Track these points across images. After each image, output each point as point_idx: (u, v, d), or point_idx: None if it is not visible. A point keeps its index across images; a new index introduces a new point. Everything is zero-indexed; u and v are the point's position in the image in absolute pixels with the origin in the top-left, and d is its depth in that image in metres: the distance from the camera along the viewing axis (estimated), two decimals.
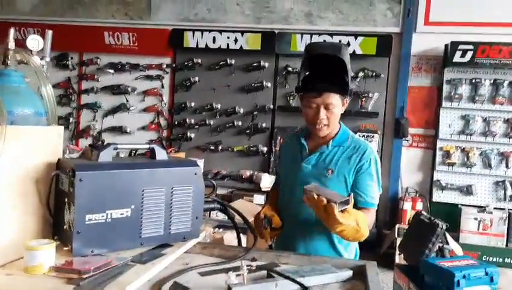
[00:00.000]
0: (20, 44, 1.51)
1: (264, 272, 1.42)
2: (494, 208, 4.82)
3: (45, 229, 1.39)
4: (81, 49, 6.02)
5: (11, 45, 1.46)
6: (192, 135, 5.76)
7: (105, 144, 1.46)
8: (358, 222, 1.64)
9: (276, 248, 1.96)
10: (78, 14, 6.00)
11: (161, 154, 1.54)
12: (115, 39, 5.90)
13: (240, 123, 5.60)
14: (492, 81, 4.95)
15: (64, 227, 1.32)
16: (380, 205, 5.37)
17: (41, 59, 1.55)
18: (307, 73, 1.87)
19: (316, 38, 5.31)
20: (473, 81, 4.97)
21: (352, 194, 1.66)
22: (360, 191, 1.82)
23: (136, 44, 5.86)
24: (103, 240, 1.32)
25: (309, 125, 1.87)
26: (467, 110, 5.02)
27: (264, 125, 5.53)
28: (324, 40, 5.14)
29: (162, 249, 1.43)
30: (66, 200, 1.32)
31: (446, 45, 4.96)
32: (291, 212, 1.88)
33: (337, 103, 1.80)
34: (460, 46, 4.82)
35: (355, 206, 1.72)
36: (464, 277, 1.25)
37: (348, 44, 5.20)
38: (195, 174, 1.52)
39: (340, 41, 5.21)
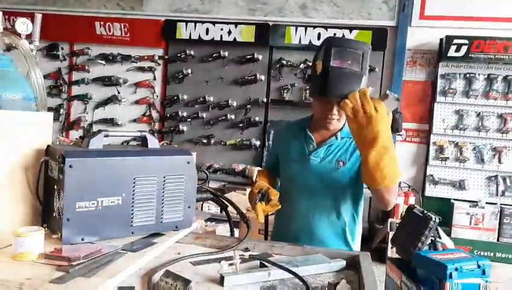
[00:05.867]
0: (10, 32, 1.47)
1: (257, 262, 1.40)
2: (486, 203, 4.85)
3: (34, 217, 1.36)
4: (72, 39, 5.95)
5: (0, 28, 1.42)
6: (185, 128, 5.73)
7: (95, 131, 1.42)
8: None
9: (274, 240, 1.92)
10: (69, 4, 5.92)
11: (153, 142, 1.51)
12: (106, 30, 5.83)
13: (232, 116, 5.58)
14: (486, 76, 4.97)
15: (54, 215, 1.29)
16: (373, 199, 5.39)
17: (30, 43, 1.51)
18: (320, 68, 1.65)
19: (311, 31, 5.29)
20: (467, 75, 4.98)
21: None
22: None
23: (128, 35, 5.80)
24: (93, 228, 1.29)
25: (318, 118, 1.81)
26: (461, 105, 5.04)
27: (257, 118, 5.51)
28: (334, 34, 5.13)
29: (153, 238, 1.40)
30: (56, 187, 1.28)
31: (441, 39, 4.96)
32: (299, 209, 1.83)
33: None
34: (455, 41, 4.83)
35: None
36: (456, 269, 1.24)
37: (343, 37, 5.19)
38: (188, 163, 1.49)
39: (334, 34, 5.20)
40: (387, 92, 1.49)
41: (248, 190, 4.85)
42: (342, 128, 1.83)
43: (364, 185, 1.76)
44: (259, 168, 5.25)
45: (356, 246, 1.89)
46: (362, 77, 1.56)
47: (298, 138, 1.88)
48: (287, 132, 2.02)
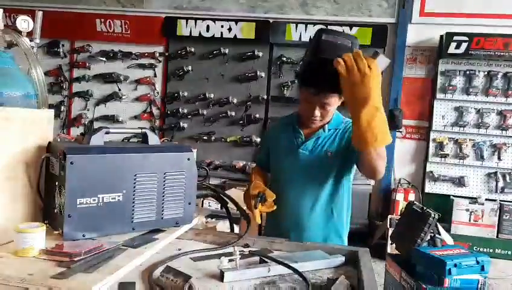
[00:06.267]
0: (11, 30, 1.48)
1: (257, 258, 1.41)
2: (486, 199, 4.86)
3: (35, 214, 1.37)
4: (73, 36, 5.95)
5: (0, 25, 1.42)
6: (185, 125, 5.74)
7: (96, 128, 1.43)
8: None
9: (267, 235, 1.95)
10: (69, 1, 5.91)
11: (153, 139, 1.52)
12: (106, 27, 5.83)
13: (233, 113, 5.58)
14: (486, 73, 4.97)
15: (55, 211, 1.30)
16: (373, 196, 5.42)
17: (31, 41, 1.52)
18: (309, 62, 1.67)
19: (311, 28, 5.29)
20: (467, 72, 4.98)
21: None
22: None
23: (129, 32, 5.80)
24: (94, 224, 1.30)
25: (303, 118, 1.86)
26: (461, 102, 5.04)
27: (257, 115, 5.51)
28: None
29: (154, 234, 1.41)
30: (57, 183, 1.29)
31: (441, 36, 4.96)
32: (289, 202, 1.86)
33: (333, 102, 1.76)
34: (455, 38, 4.83)
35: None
36: (455, 265, 1.26)
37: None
38: (188, 159, 1.50)
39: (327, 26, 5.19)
40: (376, 50, 1.49)
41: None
42: (329, 121, 1.87)
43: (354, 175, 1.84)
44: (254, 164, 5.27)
45: (346, 237, 1.94)
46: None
47: (287, 132, 1.92)
48: (276, 128, 2.08)
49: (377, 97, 1.42)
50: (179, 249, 1.47)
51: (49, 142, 1.39)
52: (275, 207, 1.77)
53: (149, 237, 1.38)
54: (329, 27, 5.18)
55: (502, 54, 4.79)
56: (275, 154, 1.99)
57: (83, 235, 1.28)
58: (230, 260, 1.29)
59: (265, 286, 1.25)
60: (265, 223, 2.05)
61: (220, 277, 1.25)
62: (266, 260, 1.38)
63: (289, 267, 1.31)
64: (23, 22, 1.49)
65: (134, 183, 1.36)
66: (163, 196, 1.44)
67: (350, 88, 1.43)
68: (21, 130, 1.31)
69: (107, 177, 1.31)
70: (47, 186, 1.37)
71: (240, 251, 1.32)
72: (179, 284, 1.15)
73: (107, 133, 1.41)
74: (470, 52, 4.83)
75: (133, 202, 1.37)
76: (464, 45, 4.82)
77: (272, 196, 1.75)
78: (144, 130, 1.51)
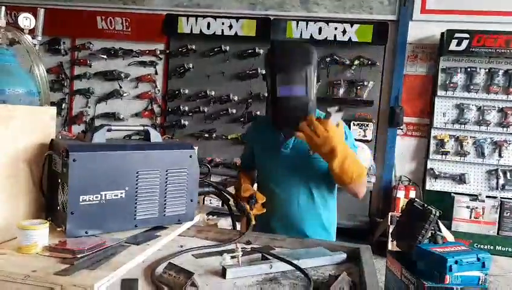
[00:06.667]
0: (13, 27, 1.48)
1: (259, 255, 1.42)
2: (487, 197, 4.86)
3: (38, 211, 1.37)
4: (73, 34, 5.94)
5: (2, 22, 1.42)
6: (186, 122, 5.74)
7: (98, 125, 1.44)
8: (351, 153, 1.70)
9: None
10: None
11: (155, 136, 1.52)
12: (107, 24, 5.82)
13: (234, 111, 5.58)
14: (487, 70, 4.97)
15: (58, 208, 1.30)
16: (373, 193, 5.41)
17: (33, 38, 1.52)
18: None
19: (312, 26, 5.28)
20: (468, 69, 4.98)
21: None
22: None
23: (129, 29, 5.79)
24: (97, 221, 1.31)
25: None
26: (462, 99, 5.04)
27: (258, 113, 5.51)
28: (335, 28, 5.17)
29: (156, 231, 1.42)
30: (60, 181, 1.30)
31: (442, 33, 4.95)
32: (275, 200, 1.87)
33: None
34: (457, 35, 4.82)
35: None
36: (456, 262, 1.26)
37: (344, 31, 5.18)
38: (190, 156, 1.50)
39: (335, 35, 5.19)
40: (328, 109, 1.65)
41: None
42: None
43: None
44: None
45: (334, 232, 1.97)
46: (309, 102, 1.70)
47: (267, 131, 1.92)
48: (257, 127, 2.12)
49: (342, 147, 1.63)
50: (181, 246, 1.47)
51: (52, 140, 1.39)
52: (264, 210, 1.80)
53: (151, 234, 1.38)
54: (330, 24, 5.23)
55: (503, 51, 4.78)
56: (258, 154, 2.01)
57: (86, 232, 1.29)
58: (232, 257, 1.30)
59: (267, 282, 1.26)
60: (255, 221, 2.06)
61: (222, 273, 1.26)
62: (268, 256, 1.38)
63: (291, 264, 1.32)
64: (25, 20, 1.49)
65: (137, 180, 1.37)
66: (166, 193, 1.44)
67: (315, 148, 1.65)
68: (24, 128, 1.31)
69: (110, 174, 1.32)
70: (50, 183, 1.38)
71: (241, 248, 1.33)
72: (181, 280, 1.15)
73: (109, 130, 1.41)
74: (471, 49, 4.82)
75: (136, 199, 1.37)
76: (465, 42, 4.81)
77: (262, 198, 1.78)
78: (146, 128, 1.51)
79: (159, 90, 5.82)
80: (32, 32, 1.53)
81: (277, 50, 1.79)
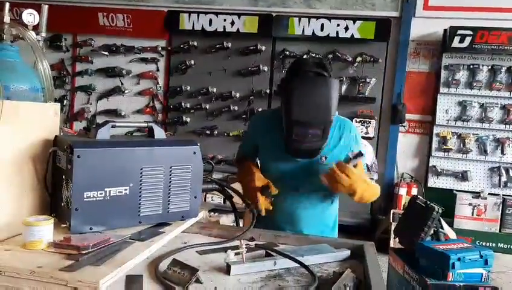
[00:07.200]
0: (17, 23, 1.48)
1: (263, 251, 1.42)
2: (489, 194, 4.85)
3: (42, 207, 1.37)
4: (75, 30, 5.93)
5: (7, 18, 1.42)
6: (188, 119, 5.73)
7: (102, 121, 1.44)
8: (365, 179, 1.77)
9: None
10: None
11: (159, 132, 1.52)
12: (109, 20, 5.81)
13: (236, 108, 5.57)
14: (490, 67, 4.95)
15: (62, 204, 1.30)
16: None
17: (37, 34, 1.52)
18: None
19: (314, 22, 5.26)
20: (471, 66, 4.96)
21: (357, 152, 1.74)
22: None
23: (131, 26, 5.78)
24: (101, 218, 1.31)
25: None
26: (464, 96, 5.02)
27: (260, 110, 5.50)
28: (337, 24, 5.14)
29: (160, 227, 1.42)
30: (64, 177, 1.30)
31: (445, 30, 4.93)
32: (282, 199, 1.85)
33: None
34: (459, 31, 4.80)
35: None
36: (459, 259, 1.26)
37: (347, 28, 5.16)
38: (194, 153, 1.50)
39: (337, 31, 5.17)
40: (349, 154, 1.73)
41: None
42: None
43: None
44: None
45: (336, 228, 2.00)
46: (324, 143, 1.75)
47: (275, 130, 1.83)
48: (263, 122, 2.02)
49: (361, 184, 1.70)
50: (185, 243, 1.48)
51: (56, 136, 1.39)
52: (271, 207, 1.79)
53: (156, 231, 1.38)
54: (332, 21, 5.21)
55: (506, 48, 4.76)
56: (264, 151, 1.95)
57: (90, 229, 1.29)
58: (236, 254, 1.30)
59: (271, 279, 1.26)
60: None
61: (227, 270, 1.26)
62: (272, 253, 1.38)
63: (295, 260, 1.32)
64: (29, 16, 1.49)
65: (141, 176, 1.37)
66: (170, 190, 1.44)
67: (338, 191, 1.74)
68: (28, 124, 1.31)
69: (114, 170, 1.32)
70: (54, 179, 1.38)
71: (246, 245, 1.33)
72: (186, 277, 1.15)
73: (113, 126, 1.41)
74: (474, 46, 4.81)
75: (140, 196, 1.38)
76: (468, 39, 4.79)
77: (275, 191, 1.76)
78: (150, 124, 1.51)
79: (160, 87, 5.82)
80: (36, 28, 1.52)
81: (295, 96, 1.70)
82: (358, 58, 5.18)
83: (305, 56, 5.20)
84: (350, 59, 5.22)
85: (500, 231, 4.79)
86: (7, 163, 1.25)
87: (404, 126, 5.25)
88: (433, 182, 5.15)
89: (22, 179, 1.31)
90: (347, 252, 1.50)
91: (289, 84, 1.74)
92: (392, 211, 4.67)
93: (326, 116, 1.69)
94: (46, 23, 1.55)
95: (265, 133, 1.94)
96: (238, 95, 5.54)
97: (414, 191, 4.92)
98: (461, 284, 1.27)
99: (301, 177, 1.84)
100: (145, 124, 1.52)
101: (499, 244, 4.74)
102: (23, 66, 1.44)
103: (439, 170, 5.12)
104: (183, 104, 5.68)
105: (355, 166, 1.69)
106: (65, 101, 5.96)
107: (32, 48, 1.46)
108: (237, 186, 1.93)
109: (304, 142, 1.72)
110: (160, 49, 5.74)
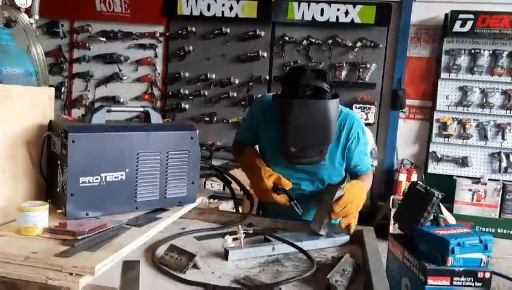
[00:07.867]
0: (9, 6, 1.45)
1: (261, 237, 1.41)
2: (489, 180, 4.84)
3: (38, 192, 1.36)
4: (72, 16, 5.86)
5: None
6: (187, 106, 5.69)
7: (97, 106, 1.41)
8: (361, 186, 1.71)
9: None
10: None
11: (156, 117, 1.50)
12: (106, 6, 5.74)
13: (235, 94, 5.53)
14: (491, 52, 4.89)
15: (58, 190, 1.29)
16: (375, 176, 5.40)
17: (29, 17, 1.48)
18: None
19: (314, 7, 5.19)
20: (472, 51, 4.91)
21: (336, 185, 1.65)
22: (357, 163, 1.82)
23: (128, 11, 5.70)
24: (98, 203, 1.29)
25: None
26: (465, 82, 4.98)
27: (259, 96, 5.45)
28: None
29: (157, 213, 1.41)
30: (59, 162, 1.28)
31: (446, 14, 4.87)
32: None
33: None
34: (461, 16, 4.74)
35: (355, 177, 1.84)
36: (459, 244, 1.25)
37: (347, 12, 5.10)
38: (192, 138, 1.49)
39: (337, 16, 5.10)
40: (336, 189, 1.58)
41: None
42: None
43: None
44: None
45: None
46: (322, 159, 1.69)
47: (276, 126, 1.66)
48: (265, 109, 1.84)
49: (357, 206, 1.59)
50: (183, 228, 1.46)
51: (50, 121, 1.37)
52: (288, 204, 1.68)
53: (152, 216, 1.37)
54: (332, 6, 5.14)
55: (508, 32, 4.70)
56: (264, 139, 1.87)
57: (86, 214, 1.28)
58: (234, 239, 1.29)
59: (269, 264, 1.25)
60: (263, 206, 2.00)
61: (225, 255, 1.25)
62: (270, 239, 1.37)
63: (294, 245, 1.31)
64: None
65: (137, 162, 1.35)
66: (167, 175, 1.43)
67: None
68: (21, 108, 1.29)
69: (110, 156, 1.30)
70: (49, 164, 1.36)
71: (244, 230, 1.32)
72: (183, 262, 1.14)
73: (108, 111, 1.39)
74: (475, 30, 4.75)
75: (136, 181, 1.36)
76: (469, 23, 4.73)
77: (288, 185, 1.67)
78: (146, 109, 1.49)
79: (159, 73, 5.77)
80: (28, 11, 1.49)
81: (292, 122, 1.54)
82: (359, 44, 5.12)
83: (303, 63, 5.09)
84: (350, 44, 5.16)
85: (499, 216, 4.79)
86: (1, 147, 1.23)
87: (404, 112, 5.22)
88: (433, 168, 5.14)
89: (17, 163, 1.29)
90: (346, 237, 1.49)
91: (285, 107, 1.57)
92: (391, 197, 4.66)
93: (325, 140, 1.61)
94: (39, 6, 1.51)
95: (264, 127, 1.85)
96: (237, 81, 5.49)
97: (414, 177, 4.90)
98: (461, 269, 1.26)
99: (301, 176, 1.82)
100: (142, 109, 1.50)
101: (499, 229, 4.74)
102: (17, 50, 1.41)
103: (439, 156, 5.10)
104: (181, 90, 5.64)
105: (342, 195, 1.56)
106: (63, 88, 5.91)
107: (25, 31, 1.43)
108: (236, 172, 1.90)
109: (302, 158, 1.66)
110: (158, 35, 5.67)
